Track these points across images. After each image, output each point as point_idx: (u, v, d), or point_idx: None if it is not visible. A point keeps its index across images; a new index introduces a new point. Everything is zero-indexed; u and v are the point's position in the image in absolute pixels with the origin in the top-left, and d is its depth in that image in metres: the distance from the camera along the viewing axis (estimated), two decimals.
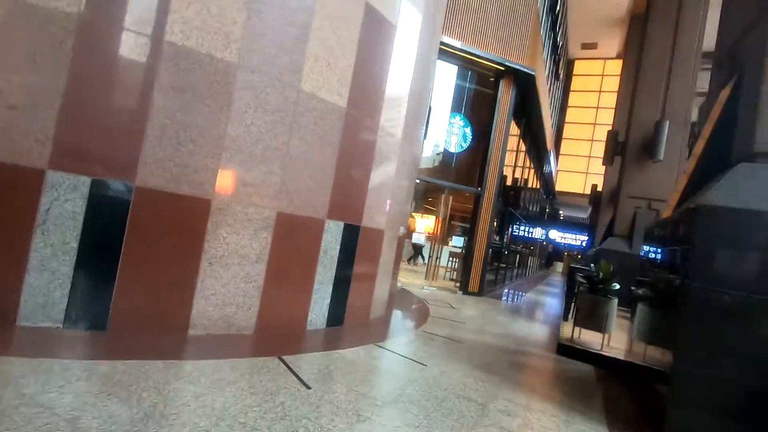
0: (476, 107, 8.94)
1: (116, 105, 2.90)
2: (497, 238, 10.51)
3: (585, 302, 5.01)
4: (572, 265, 15.41)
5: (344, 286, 4.27)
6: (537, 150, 14.64)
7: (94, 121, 2.84)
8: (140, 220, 2.97)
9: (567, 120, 26.71)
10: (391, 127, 4.58)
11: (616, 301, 4.88)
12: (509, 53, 8.46)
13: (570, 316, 6.78)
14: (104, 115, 2.86)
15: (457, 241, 8.61)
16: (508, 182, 10.97)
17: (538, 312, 8.84)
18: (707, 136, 4.71)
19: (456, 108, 8.82)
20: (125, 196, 2.92)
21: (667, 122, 10.90)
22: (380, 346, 3.82)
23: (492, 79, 8.85)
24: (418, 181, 8.15)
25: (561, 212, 31.02)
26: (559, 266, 33.65)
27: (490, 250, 9.24)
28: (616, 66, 24.75)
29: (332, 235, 4.04)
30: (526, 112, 10.60)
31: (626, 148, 11.70)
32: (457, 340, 4.65)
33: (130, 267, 2.95)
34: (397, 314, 5.59)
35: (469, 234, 9.01)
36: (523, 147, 12.00)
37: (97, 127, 2.85)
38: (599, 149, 25.33)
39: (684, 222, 3.32)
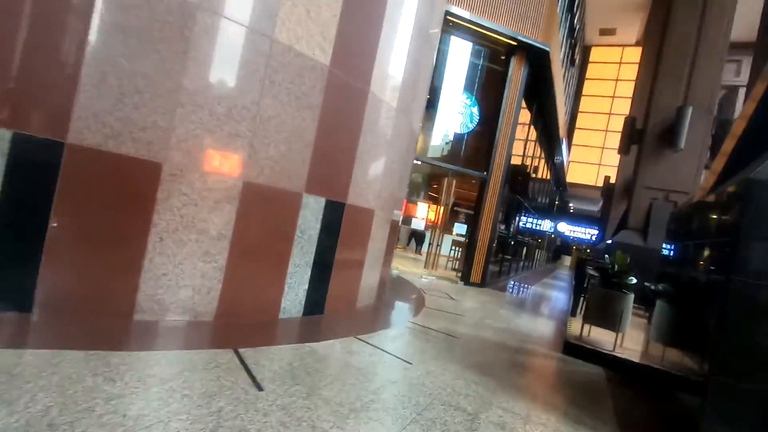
0: (485, 86, 8.34)
1: (42, 45, 2.42)
2: (503, 228, 9.97)
3: (597, 297, 4.49)
4: (582, 257, 14.83)
5: (326, 271, 3.81)
6: (548, 137, 13.97)
7: (13, 63, 2.36)
8: (73, 184, 2.51)
9: (581, 109, 25.82)
10: (384, 95, 4.06)
11: (632, 296, 4.36)
12: (522, 28, 7.82)
13: (579, 311, 6.28)
14: (27, 56, 2.38)
15: (460, 229, 8.09)
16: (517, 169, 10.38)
17: (544, 306, 8.33)
18: (738, 133, 4.15)
19: (462, 86, 8.23)
20: (55, 154, 2.46)
21: (690, 108, 10.20)
22: (361, 340, 3.36)
23: (503, 57, 8.23)
24: (418, 162, 7.63)
25: (571, 205, 30.25)
26: (567, 260, 32.98)
27: (496, 239, 8.72)
28: (634, 54, 23.77)
29: (311, 212, 3.56)
30: (539, 94, 9.95)
31: (644, 136, 11.02)
32: (452, 334, 4.17)
33: (60, 239, 2.50)
34: (387, 304, 5.12)
35: (473, 222, 8.49)
36: (533, 134, 11.37)
37: (19, 70, 2.37)
38: (614, 140, 24.47)
39: (725, 204, 2.78)
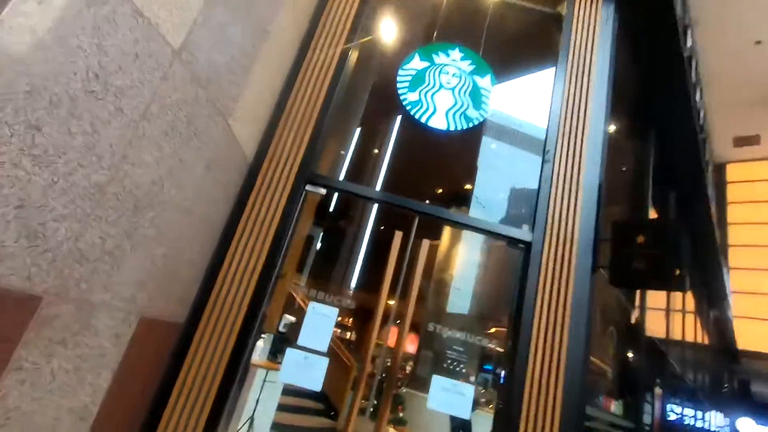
0: (508, 44, 3.72)
1: None
2: (615, 409, 3.84)
3: None
4: None
5: None
6: (693, 229, 7.90)
7: None
8: None
9: (730, 242, 18.39)
10: None
11: None
12: None
13: None
14: None
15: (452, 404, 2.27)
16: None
17: None
18: None
19: (454, 35, 3.70)
20: None
21: None
22: None
23: None
24: (318, 189, 2.79)
25: (752, 387, 19.43)
26: None
27: None
28: None
29: None
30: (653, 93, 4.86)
31: None
32: None
33: None
34: None
35: (510, 377, 2.80)
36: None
37: None
38: None
39: None
